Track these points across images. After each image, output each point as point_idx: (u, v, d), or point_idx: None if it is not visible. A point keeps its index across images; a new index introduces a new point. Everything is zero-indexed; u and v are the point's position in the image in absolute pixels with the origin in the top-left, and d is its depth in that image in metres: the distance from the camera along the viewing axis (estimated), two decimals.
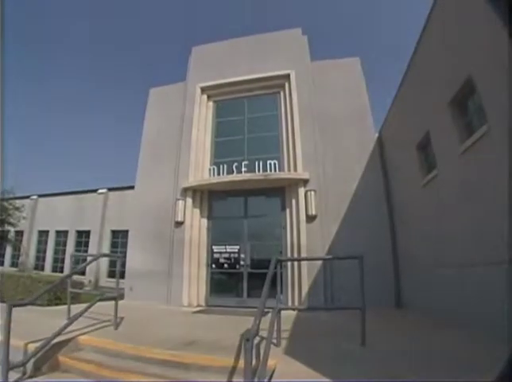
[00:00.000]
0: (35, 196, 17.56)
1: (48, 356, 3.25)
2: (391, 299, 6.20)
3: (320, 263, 6.52)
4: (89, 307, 4.02)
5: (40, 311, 5.42)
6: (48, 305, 6.20)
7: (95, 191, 15.39)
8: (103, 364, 3.30)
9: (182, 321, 5.13)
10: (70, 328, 3.67)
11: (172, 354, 3.17)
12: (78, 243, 15.20)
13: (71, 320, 3.68)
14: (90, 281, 13.68)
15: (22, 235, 17.03)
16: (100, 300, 4.31)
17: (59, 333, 3.39)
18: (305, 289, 6.51)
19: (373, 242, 6.31)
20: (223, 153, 8.23)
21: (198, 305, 7.15)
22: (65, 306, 4.67)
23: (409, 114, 5.71)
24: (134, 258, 8.00)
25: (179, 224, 7.55)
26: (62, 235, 15.77)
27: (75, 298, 5.89)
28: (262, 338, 3.16)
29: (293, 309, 5.68)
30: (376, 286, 5.55)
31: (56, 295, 6.37)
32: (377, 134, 7.56)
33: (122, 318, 4.72)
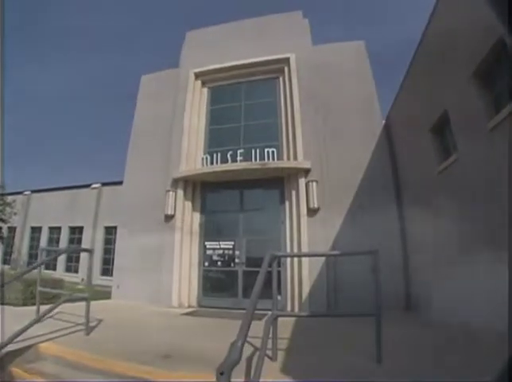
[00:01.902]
0: (28, 192, 17.10)
1: None
2: (400, 301, 5.62)
3: (322, 261, 5.96)
4: (53, 308, 3.49)
5: (10, 312, 4.88)
6: (24, 304, 5.67)
7: (88, 186, 14.90)
8: (64, 379, 2.78)
9: (167, 325, 4.58)
10: (35, 332, 3.16)
11: (146, 370, 2.63)
12: (71, 240, 14.75)
13: (30, 324, 3.13)
14: (82, 279, 13.20)
15: (15, 232, 16.58)
16: (66, 301, 3.77)
17: (12, 340, 2.85)
18: (306, 290, 5.95)
19: (381, 238, 5.71)
20: (217, 142, 7.65)
21: (189, 306, 6.60)
22: (42, 307, 4.04)
23: (422, 94, 5.11)
24: (123, 254, 7.50)
25: (169, 217, 6.99)
26: (55, 231, 15.30)
27: (56, 298, 5.36)
28: (256, 350, 2.61)
29: (293, 316, 4.97)
30: (384, 286, 4.96)
31: (32, 294, 5.83)
32: (384, 121, 6.99)
33: (99, 321, 4.24)
